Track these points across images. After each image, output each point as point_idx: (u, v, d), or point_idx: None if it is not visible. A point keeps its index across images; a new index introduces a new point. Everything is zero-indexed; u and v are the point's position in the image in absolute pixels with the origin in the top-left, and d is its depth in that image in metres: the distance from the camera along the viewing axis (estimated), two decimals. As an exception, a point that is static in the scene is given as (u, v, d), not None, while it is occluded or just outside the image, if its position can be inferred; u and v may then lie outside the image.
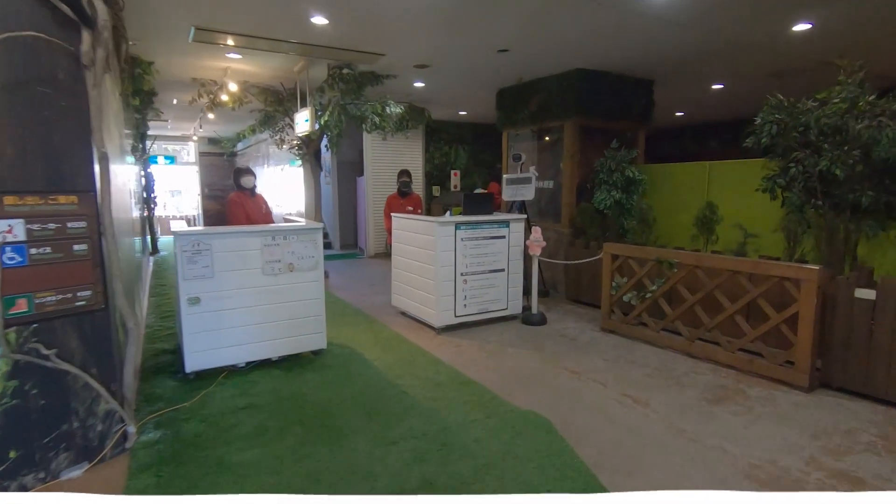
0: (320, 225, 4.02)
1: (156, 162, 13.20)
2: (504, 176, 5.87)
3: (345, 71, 5.63)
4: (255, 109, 6.98)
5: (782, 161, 4.21)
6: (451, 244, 4.69)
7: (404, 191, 5.94)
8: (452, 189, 10.72)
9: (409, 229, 5.11)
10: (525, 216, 5.22)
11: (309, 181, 7.48)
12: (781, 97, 4.09)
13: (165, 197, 17.22)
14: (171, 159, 13.47)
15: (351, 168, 11.20)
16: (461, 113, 9.70)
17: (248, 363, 3.88)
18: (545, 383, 3.64)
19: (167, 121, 10.20)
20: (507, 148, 7.33)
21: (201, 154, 13.96)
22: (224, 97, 6.25)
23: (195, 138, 11.66)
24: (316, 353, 4.17)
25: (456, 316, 4.83)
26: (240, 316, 3.75)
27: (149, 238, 10.59)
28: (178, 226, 3.93)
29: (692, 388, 3.55)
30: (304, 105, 5.89)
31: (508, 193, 5.80)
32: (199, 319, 3.62)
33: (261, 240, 3.77)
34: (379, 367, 3.93)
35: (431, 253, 4.70)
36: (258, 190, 5.28)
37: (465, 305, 4.86)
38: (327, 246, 11.31)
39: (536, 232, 5.01)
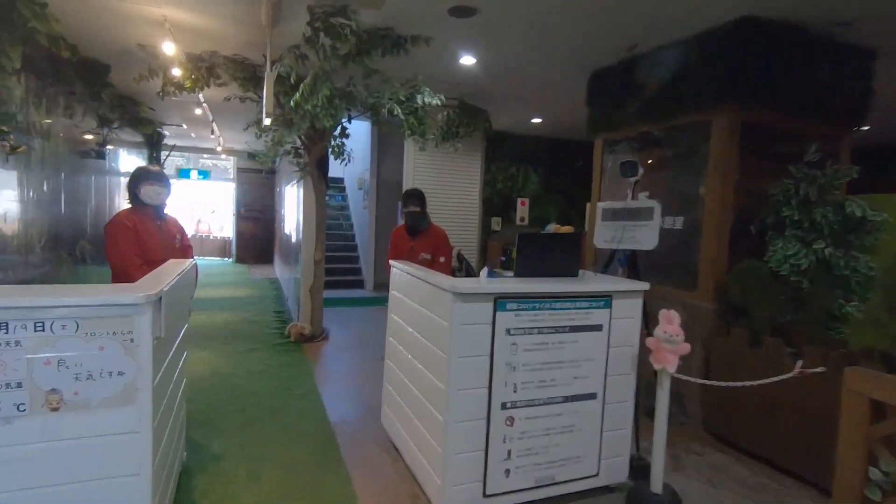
0: (140, 295, 1.63)
1: (188, 177, 11.90)
2: (598, 205, 3.28)
3: (335, 20, 3.38)
4: (232, 97, 4.96)
5: None
6: (485, 340, 2.17)
7: (413, 225, 3.53)
8: (518, 222, 8.19)
9: (410, 294, 2.66)
10: (645, 285, 2.58)
11: (309, 200, 5.30)
12: None
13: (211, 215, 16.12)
14: (205, 174, 12.11)
15: (397, 190, 9.04)
16: (534, 121, 7.24)
17: None
18: None
19: (181, 125, 8.63)
20: (602, 163, 4.73)
21: (240, 170, 12.54)
22: (175, 71, 4.25)
23: (219, 148, 10.15)
24: None
25: (486, 496, 2.25)
26: None
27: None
28: None
29: None
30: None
31: (606, 235, 3.19)
32: None
33: (-36, 330, 1.46)
34: None
35: (440, 356, 2.20)
36: (168, 210, 3.11)
37: (508, 472, 2.27)
38: (357, 285, 9.12)
39: (670, 321, 2.35)
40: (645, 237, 3.01)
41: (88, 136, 5.46)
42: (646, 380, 2.74)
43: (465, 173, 7.67)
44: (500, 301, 2.18)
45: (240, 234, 12.60)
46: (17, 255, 3.78)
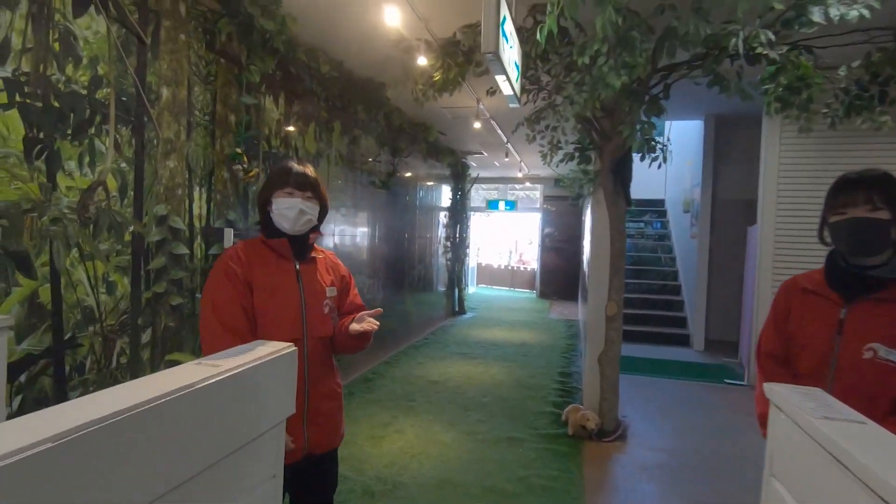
0: None
1: (496, 208, 11.77)
2: None
3: None
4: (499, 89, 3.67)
5: None
6: None
7: (858, 265, 1.23)
8: None
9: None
10: None
11: (600, 224, 3.56)
12: None
13: (523, 246, 16.14)
14: (512, 205, 11.73)
15: (744, 211, 6.30)
16: None
17: None
18: None
19: (481, 152, 8.21)
20: None
21: (546, 198, 11.71)
22: (422, 60, 3.26)
23: (520, 174, 9.41)
24: None
25: None
26: None
27: (455, 293, 8.81)
28: None
29: None
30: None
31: None
32: None
33: None
34: None
35: None
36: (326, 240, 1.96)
37: None
38: (678, 341, 6.68)
39: None
40: None
41: (376, 165, 5.23)
42: None
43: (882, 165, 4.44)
44: None
45: (544, 266, 11.72)
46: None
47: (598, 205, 3.60)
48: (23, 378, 1.90)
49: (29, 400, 1.93)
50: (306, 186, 1.56)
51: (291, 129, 3.59)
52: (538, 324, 8.15)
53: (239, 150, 2.97)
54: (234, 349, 1.13)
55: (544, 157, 3.65)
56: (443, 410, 3.93)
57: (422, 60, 3.30)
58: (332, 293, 1.63)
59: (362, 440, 3.28)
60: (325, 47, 3.68)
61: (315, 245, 1.66)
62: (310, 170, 1.60)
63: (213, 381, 0.95)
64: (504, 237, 16.38)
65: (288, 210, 1.52)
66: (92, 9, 2.10)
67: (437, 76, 3.27)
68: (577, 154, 3.55)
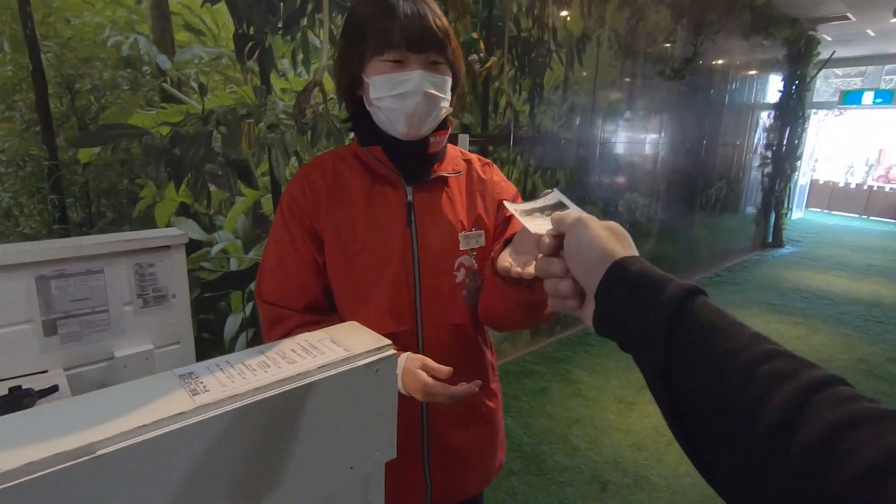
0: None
1: (858, 102, 8.31)
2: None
3: None
4: None
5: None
6: None
7: None
8: None
9: None
10: None
11: None
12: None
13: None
14: (888, 96, 8.02)
15: None
16: None
17: None
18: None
19: (845, 16, 5.52)
20: None
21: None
22: None
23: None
24: None
25: None
26: None
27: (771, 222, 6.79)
28: None
29: None
30: None
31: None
32: None
33: None
34: None
35: None
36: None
37: None
38: None
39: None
40: None
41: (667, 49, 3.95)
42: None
43: None
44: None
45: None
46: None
47: None
48: (252, 286, 1.95)
49: (260, 307, 1.98)
50: (429, 41, 0.75)
51: (549, 3, 2.81)
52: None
53: (475, 36, 2.41)
54: (274, 345, 0.63)
55: None
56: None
57: None
58: (472, 242, 0.85)
59: (607, 402, 2.65)
60: None
61: (447, 150, 0.89)
62: (428, 2, 0.77)
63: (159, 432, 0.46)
64: (861, 145, 11.96)
65: (400, 99, 0.76)
66: None
67: None
68: None
